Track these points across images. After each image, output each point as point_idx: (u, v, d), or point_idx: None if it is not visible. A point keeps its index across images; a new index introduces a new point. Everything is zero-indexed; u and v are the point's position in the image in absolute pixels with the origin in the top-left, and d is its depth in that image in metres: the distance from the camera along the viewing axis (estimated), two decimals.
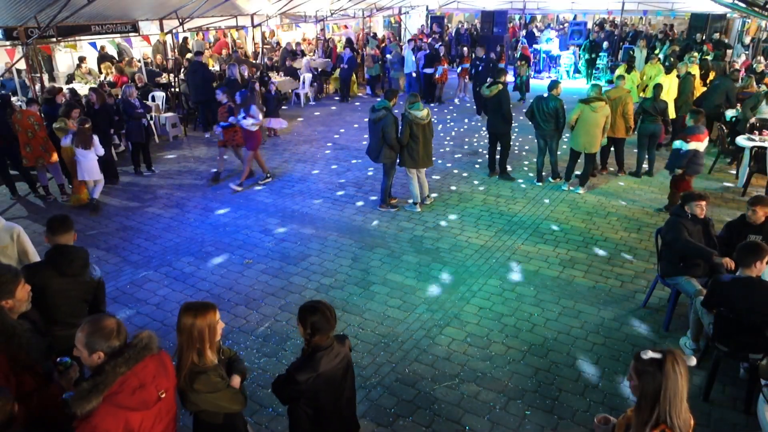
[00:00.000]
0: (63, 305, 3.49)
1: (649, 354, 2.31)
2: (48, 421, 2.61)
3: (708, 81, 11.83)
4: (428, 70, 15.41)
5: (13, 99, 10.04)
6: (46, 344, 2.90)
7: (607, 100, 8.35)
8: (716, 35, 17.88)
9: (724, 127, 9.55)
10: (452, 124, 13.41)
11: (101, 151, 7.98)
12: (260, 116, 8.77)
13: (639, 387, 2.32)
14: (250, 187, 8.98)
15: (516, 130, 11.91)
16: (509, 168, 9.45)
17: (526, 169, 9.93)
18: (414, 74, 15.89)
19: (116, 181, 9.29)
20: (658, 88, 9.00)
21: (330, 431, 3.04)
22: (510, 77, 14.80)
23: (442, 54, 16.43)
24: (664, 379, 2.25)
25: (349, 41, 18.50)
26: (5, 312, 2.65)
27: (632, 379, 2.36)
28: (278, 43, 19.86)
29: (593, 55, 18.32)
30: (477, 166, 10.08)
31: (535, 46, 20.35)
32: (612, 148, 9.42)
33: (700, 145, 7.23)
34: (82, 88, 11.60)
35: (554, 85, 8.65)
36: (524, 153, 10.94)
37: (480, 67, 14.01)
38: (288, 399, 2.95)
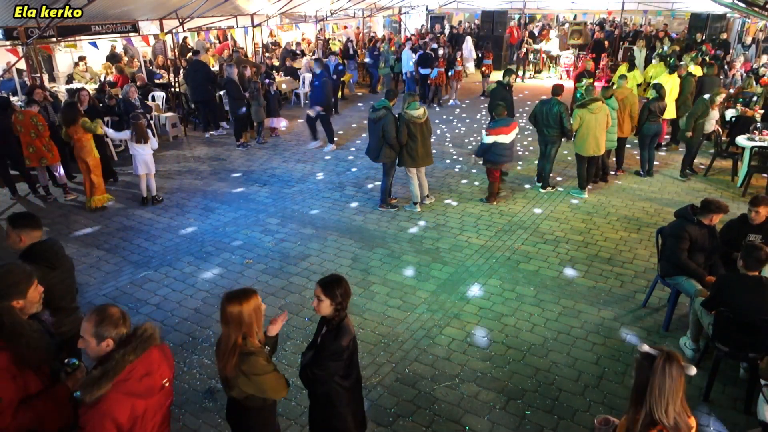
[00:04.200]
0: (66, 295, 3.65)
1: (645, 348, 2.39)
2: (53, 422, 2.61)
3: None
4: (424, 71, 14.97)
5: (14, 99, 10.04)
6: (56, 345, 2.90)
7: (602, 99, 8.30)
8: (723, 35, 17.87)
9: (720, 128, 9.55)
10: (452, 124, 13.40)
11: (156, 145, 8.18)
12: None
13: (633, 379, 2.43)
14: None
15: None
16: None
17: (527, 166, 9.93)
18: (408, 74, 15.51)
19: (114, 180, 9.30)
20: (661, 88, 8.94)
21: (360, 400, 3.32)
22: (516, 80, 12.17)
23: (441, 55, 15.77)
24: (652, 376, 2.32)
25: (348, 43, 18.26)
26: (15, 311, 2.65)
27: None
28: (273, 44, 19.84)
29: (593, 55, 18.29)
30: (476, 166, 10.08)
31: (535, 46, 20.39)
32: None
33: (513, 134, 7.91)
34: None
35: (559, 89, 8.30)
36: (524, 153, 10.95)
37: (315, 84, 10.93)
38: (330, 375, 3.01)
